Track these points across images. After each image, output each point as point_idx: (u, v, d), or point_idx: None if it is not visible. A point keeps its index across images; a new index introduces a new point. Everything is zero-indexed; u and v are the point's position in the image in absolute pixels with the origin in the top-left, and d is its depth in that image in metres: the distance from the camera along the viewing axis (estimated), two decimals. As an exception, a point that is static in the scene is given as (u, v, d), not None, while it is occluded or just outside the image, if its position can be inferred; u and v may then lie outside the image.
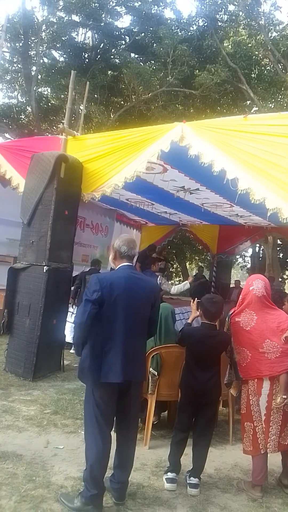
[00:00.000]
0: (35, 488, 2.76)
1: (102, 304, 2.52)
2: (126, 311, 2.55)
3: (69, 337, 5.96)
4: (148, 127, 5.07)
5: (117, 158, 5.15)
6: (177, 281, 22.54)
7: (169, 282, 7.82)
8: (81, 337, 2.58)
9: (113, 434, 2.67)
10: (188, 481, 2.97)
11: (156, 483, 3.01)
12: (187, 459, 3.10)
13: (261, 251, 21.07)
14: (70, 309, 6.30)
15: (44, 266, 5.07)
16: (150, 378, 3.62)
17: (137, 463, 3.05)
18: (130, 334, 2.56)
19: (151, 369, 3.63)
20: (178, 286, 6.87)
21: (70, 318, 6.29)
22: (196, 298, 3.33)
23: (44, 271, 5.06)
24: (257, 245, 19.46)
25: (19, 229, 5.61)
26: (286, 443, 2.99)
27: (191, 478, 2.96)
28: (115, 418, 2.69)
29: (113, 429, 2.68)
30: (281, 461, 3.19)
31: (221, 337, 3.07)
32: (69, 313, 6.08)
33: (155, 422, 3.86)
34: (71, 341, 5.61)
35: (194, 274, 12.99)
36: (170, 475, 3.00)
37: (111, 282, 2.55)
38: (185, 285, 6.84)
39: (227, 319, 3.17)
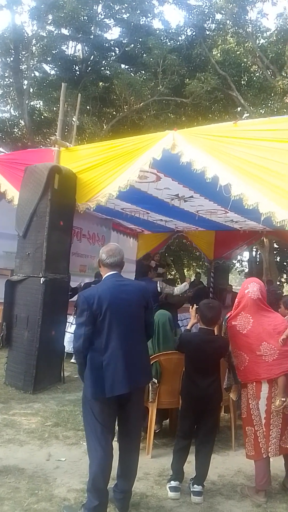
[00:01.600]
0: (37, 502, 2.74)
1: (95, 321, 2.51)
2: (118, 321, 2.54)
3: (68, 347, 5.94)
4: (140, 136, 5.11)
5: (110, 168, 5.19)
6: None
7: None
8: (83, 362, 2.56)
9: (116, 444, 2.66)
10: (191, 489, 2.95)
11: (160, 492, 2.99)
12: (190, 467, 3.09)
13: (258, 256, 21.10)
14: (70, 320, 6.29)
15: (41, 277, 5.07)
16: (150, 386, 3.61)
17: (139, 472, 3.01)
18: (127, 343, 2.55)
19: (150, 377, 3.62)
20: (179, 287, 7.27)
21: (70, 329, 6.27)
22: (195, 304, 3.34)
23: (41, 282, 5.06)
24: (254, 249, 19.49)
25: (15, 242, 5.61)
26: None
27: (195, 485, 2.95)
28: (117, 427, 2.68)
29: (116, 438, 2.67)
30: (284, 465, 3.18)
31: (220, 342, 3.08)
32: (68, 324, 6.07)
33: (157, 431, 3.85)
34: (71, 351, 5.60)
35: (192, 280, 13.00)
36: (173, 483, 2.98)
37: (98, 297, 2.54)
38: (185, 286, 7.34)
39: (224, 323, 3.17)
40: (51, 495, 2.84)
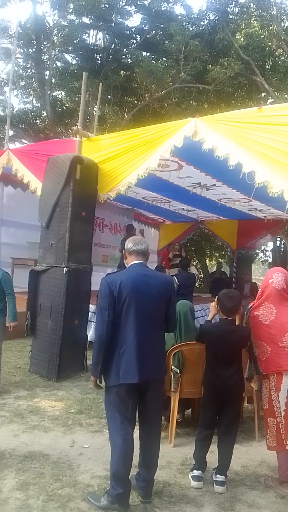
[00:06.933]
0: (62, 487, 2.79)
1: (115, 307, 2.52)
2: (137, 310, 2.53)
3: (91, 336, 5.99)
4: (162, 124, 5.04)
5: (132, 157, 5.16)
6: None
7: None
8: (102, 352, 2.53)
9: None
10: (214, 479, 2.95)
11: (182, 481, 3.00)
12: (213, 457, 3.08)
13: (282, 245, 20.70)
14: (92, 309, 6.33)
15: (64, 267, 5.12)
16: (172, 376, 3.61)
17: (162, 461, 3.04)
18: (144, 334, 2.54)
19: (173, 366, 3.62)
20: None
21: (92, 318, 6.32)
22: (216, 296, 3.29)
23: (64, 272, 5.11)
24: (278, 238, 19.12)
25: (39, 232, 5.67)
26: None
27: (217, 475, 2.94)
28: (137, 417, 2.69)
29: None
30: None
31: (241, 332, 3.02)
32: (90, 313, 6.12)
33: (179, 420, 3.85)
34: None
35: (214, 270, 12.87)
36: (196, 472, 2.98)
37: (120, 283, 2.53)
38: None
39: (246, 313, 3.12)
40: (75, 481, 2.88)
